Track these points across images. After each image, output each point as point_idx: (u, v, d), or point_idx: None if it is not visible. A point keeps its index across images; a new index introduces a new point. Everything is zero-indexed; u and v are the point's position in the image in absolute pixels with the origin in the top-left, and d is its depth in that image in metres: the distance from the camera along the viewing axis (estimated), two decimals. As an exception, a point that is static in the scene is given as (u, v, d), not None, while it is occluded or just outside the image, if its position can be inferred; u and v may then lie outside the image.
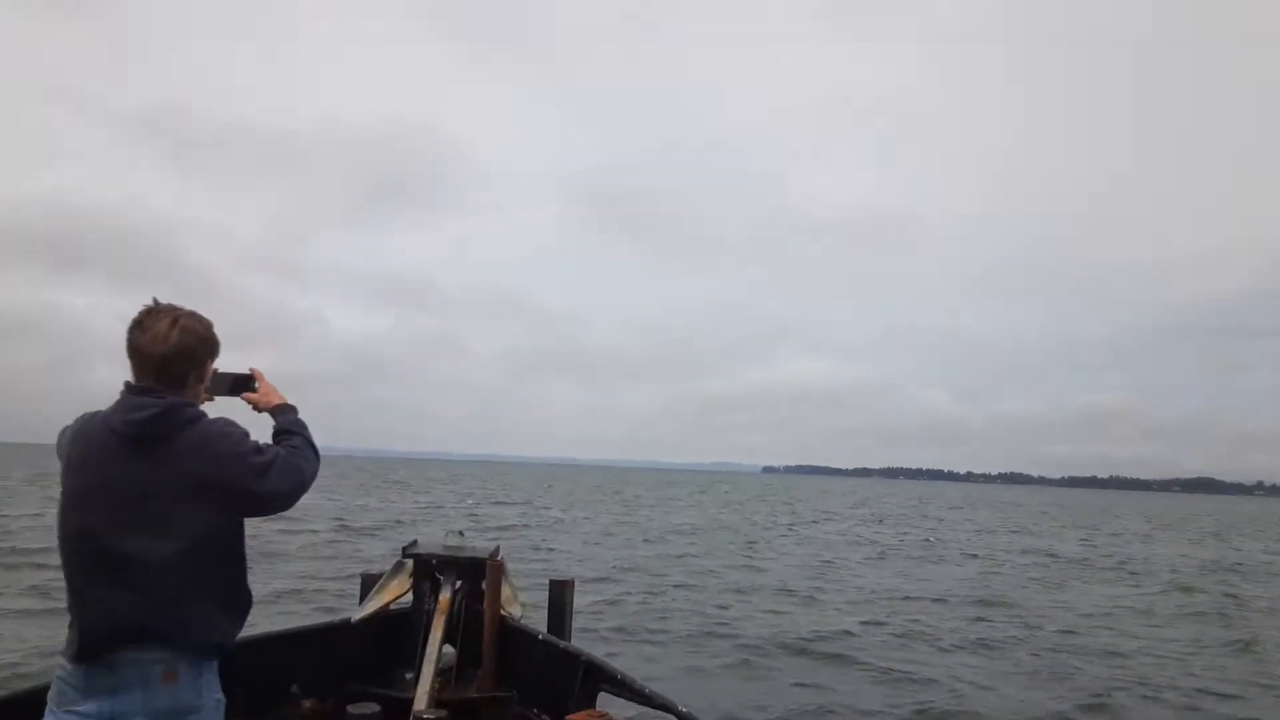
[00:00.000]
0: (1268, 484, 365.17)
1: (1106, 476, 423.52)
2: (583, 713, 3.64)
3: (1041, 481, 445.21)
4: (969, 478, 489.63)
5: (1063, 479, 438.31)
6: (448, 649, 4.51)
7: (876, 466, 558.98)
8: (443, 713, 3.94)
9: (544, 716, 4.40)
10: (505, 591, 4.79)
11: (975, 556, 23.51)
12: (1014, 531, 36.70)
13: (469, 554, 4.88)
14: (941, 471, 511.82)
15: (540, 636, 4.73)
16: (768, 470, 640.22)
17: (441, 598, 4.63)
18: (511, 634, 4.69)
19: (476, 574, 4.80)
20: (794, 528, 32.74)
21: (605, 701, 4.06)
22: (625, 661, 7.93)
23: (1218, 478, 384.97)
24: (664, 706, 3.57)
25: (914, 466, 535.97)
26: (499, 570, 4.71)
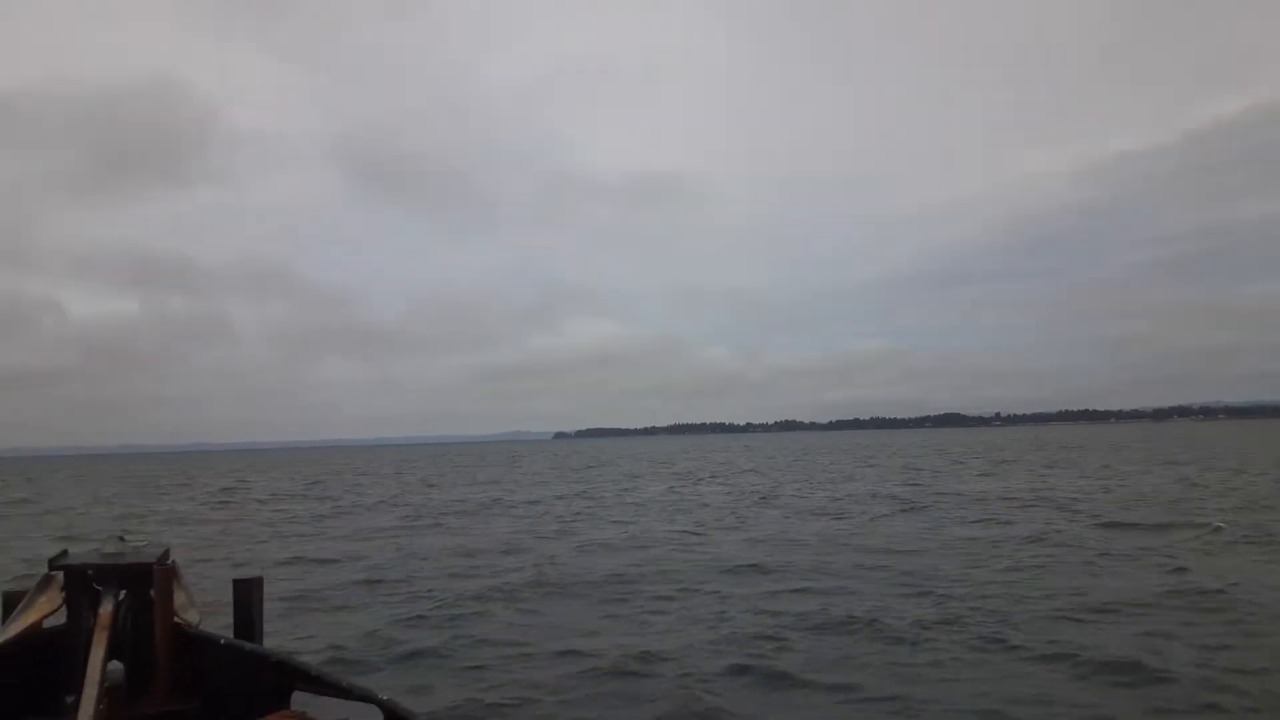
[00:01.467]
0: (1004, 414, 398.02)
1: (868, 418, 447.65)
2: (274, 715, 3.49)
3: (812, 427, 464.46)
4: (748, 429, 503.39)
5: (830, 423, 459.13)
6: (115, 665, 3.96)
7: (663, 425, 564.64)
8: None
9: None
10: (179, 597, 4.38)
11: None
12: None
13: (132, 559, 4.31)
14: (724, 424, 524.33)
15: (223, 641, 4.35)
16: (560, 436, 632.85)
17: (102, 611, 4.07)
18: (190, 642, 4.28)
19: (143, 582, 4.26)
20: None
21: (302, 701, 3.89)
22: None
23: (962, 412, 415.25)
24: (364, 697, 3.51)
25: (698, 422, 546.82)
26: (169, 575, 4.30)
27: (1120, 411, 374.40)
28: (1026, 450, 62.38)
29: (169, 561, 4.30)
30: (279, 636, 8.70)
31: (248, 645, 4.31)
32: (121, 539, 4.56)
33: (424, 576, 13.01)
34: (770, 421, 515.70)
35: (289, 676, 3.82)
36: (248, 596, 5.33)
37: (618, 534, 18.34)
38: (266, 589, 5.81)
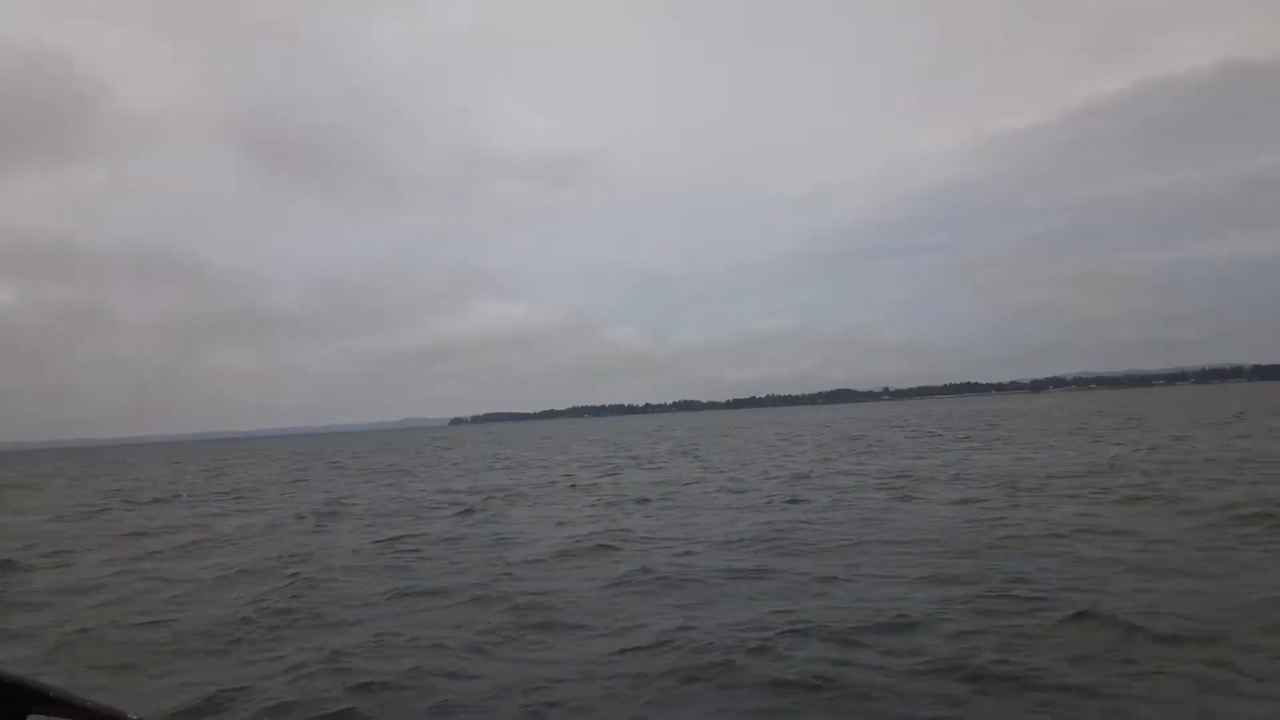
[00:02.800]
0: (892, 389, 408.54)
1: (764, 396, 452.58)
2: None
3: (710, 406, 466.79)
4: (647, 409, 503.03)
5: (728, 402, 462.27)
6: None
7: (562, 407, 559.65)
8: None
9: None
10: None
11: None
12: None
13: None
14: (623, 405, 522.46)
15: None
16: (456, 422, 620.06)
17: None
18: None
19: None
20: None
21: None
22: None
23: (852, 387, 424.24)
24: (111, 717, 3.39)
25: (598, 404, 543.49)
26: None
27: (1000, 384, 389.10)
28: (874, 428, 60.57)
29: None
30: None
31: None
32: None
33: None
34: (669, 402, 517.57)
35: (24, 698, 2.58)
36: None
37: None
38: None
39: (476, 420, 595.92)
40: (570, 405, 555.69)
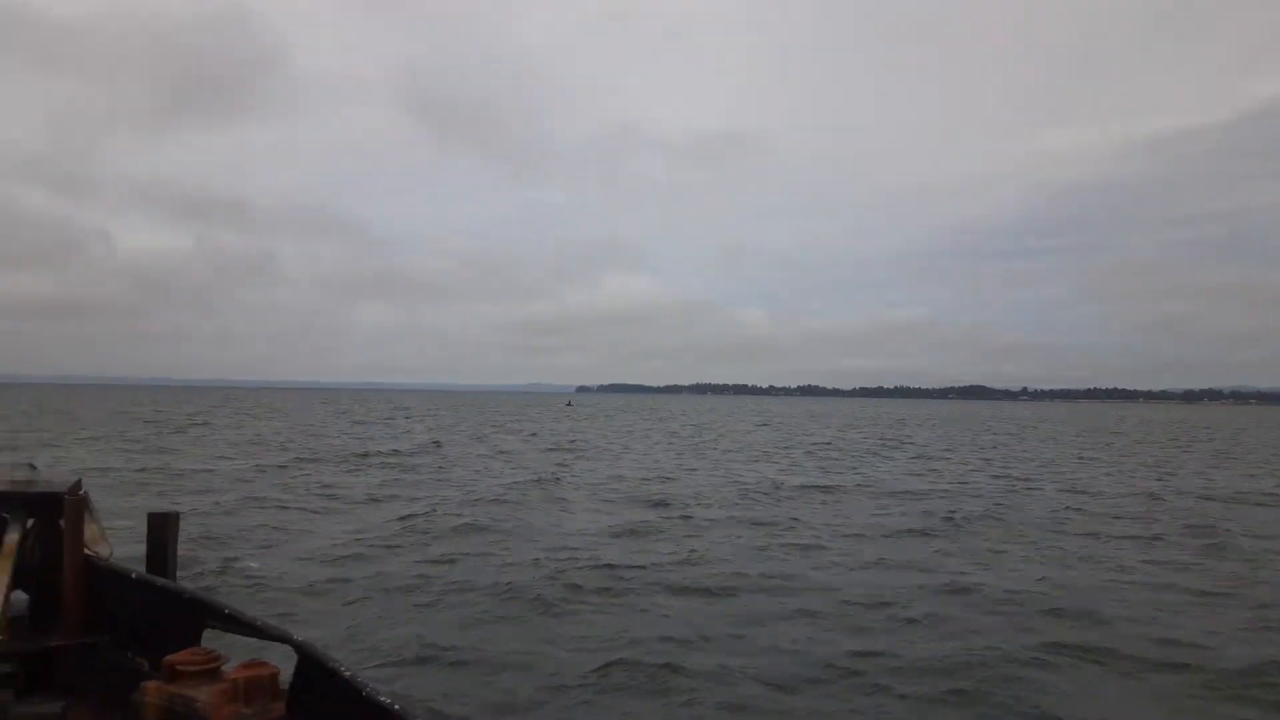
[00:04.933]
0: (1031, 389, 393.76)
1: (892, 387, 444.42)
2: (185, 652, 3.29)
3: (835, 393, 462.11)
4: (770, 391, 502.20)
5: (853, 389, 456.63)
6: (19, 595, 4.04)
7: (686, 383, 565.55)
8: (7, 666, 3.66)
9: (141, 661, 3.86)
10: (91, 529, 4.27)
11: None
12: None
13: (41, 488, 4.26)
14: (746, 386, 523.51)
15: (135, 575, 4.19)
16: (581, 390, 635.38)
17: (7, 539, 4.04)
18: (100, 575, 4.18)
19: (52, 511, 4.20)
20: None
21: (213, 638, 3.71)
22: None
23: (987, 385, 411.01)
24: (279, 637, 3.39)
25: (721, 382, 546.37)
26: (81, 505, 4.19)
27: (1150, 392, 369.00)
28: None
29: (81, 492, 4.13)
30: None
31: (160, 581, 4.15)
32: (32, 466, 4.30)
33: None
34: (793, 386, 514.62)
35: (201, 614, 3.71)
36: (162, 531, 5.12)
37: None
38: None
39: (601, 390, 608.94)
40: (694, 382, 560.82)
